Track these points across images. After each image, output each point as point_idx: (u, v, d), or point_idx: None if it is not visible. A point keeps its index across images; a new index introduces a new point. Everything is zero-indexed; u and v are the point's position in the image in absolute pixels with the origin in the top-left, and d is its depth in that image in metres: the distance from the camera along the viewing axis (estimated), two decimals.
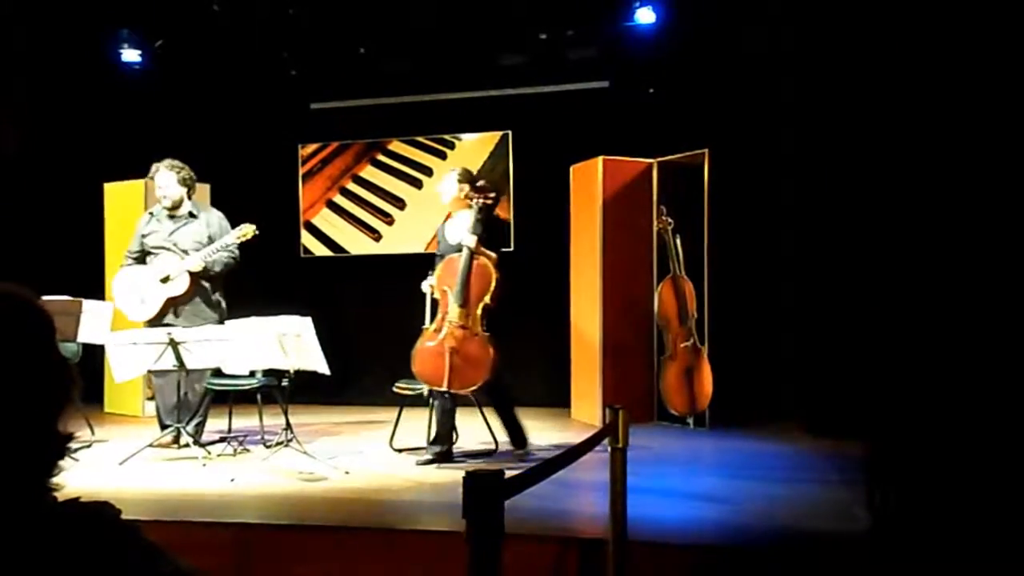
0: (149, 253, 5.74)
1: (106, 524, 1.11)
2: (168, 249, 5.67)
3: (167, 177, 5.69)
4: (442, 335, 5.15)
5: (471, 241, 5.15)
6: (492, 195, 5.42)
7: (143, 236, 5.79)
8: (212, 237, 5.72)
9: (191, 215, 5.78)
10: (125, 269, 5.78)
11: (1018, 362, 3.56)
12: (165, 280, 5.59)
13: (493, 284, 5.17)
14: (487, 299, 5.16)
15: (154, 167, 5.76)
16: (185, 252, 5.65)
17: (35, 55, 7.38)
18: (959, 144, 3.81)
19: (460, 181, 5.40)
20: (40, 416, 1.11)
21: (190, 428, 5.53)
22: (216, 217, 5.86)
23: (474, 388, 5.16)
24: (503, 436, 5.80)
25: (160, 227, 5.76)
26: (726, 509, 4.15)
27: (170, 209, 5.75)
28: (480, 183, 5.45)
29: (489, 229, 5.33)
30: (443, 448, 5.25)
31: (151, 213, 5.86)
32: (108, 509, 1.13)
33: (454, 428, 5.40)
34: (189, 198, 5.80)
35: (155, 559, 1.13)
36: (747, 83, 7.01)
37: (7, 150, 7.46)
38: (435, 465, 5.17)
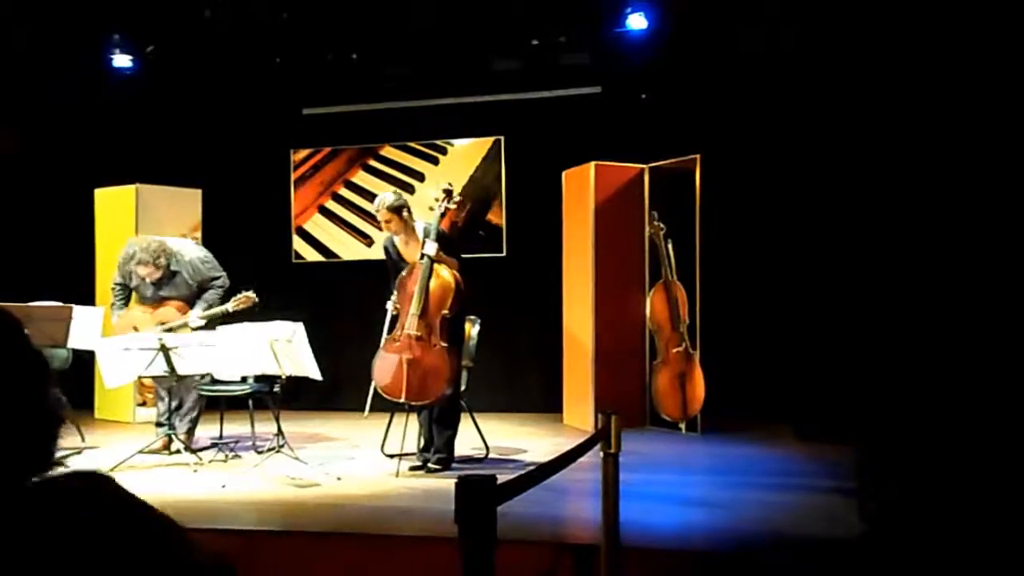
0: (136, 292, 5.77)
1: (100, 497, 1.09)
2: (160, 303, 5.68)
3: (146, 270, 5.56)
4: (399, 346, 5.03)
5: (431, 249, 5.05)
6: (457, 200, 5.27)
7: (129, 281, 5.73)
8: (202, 281, 5.71)
9: (172, 273, 5.67)
10: (126, 314, 5.71)
11: (1009, 367, 3.58)
12: (167, 329, 5.54)
13: (453, 294, 5.05)
14: (446, 310, 5.05)
15: (126, 259, 5.59)
16: (178, 298, 5.67)
17: (26, 60, 7.36)
18: (950, 156, 3.83)
19: (391, 209, 5.10)
20: (19, 407, 1.11)
21: (181, 433, 5.52)
22: (197, 260, 5.75)
23: (433, 400, 5.03)
24: (494, 442, 5.81)
25: (143, 284, 5.68)
26: (718, 514, 4.15)
27: None
28: (446, 186, 5.31)
29: (446, 237, 5.23)
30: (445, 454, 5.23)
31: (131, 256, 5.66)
32: (99, 478, 1.11)
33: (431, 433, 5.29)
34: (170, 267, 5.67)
35: (166, 537, 1.10)
36: (738, 89, 7.04)
37: (5, 152, 7.44)
38: (423, 471, 5.16)
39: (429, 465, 5.16)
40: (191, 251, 5.82)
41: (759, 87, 6.89)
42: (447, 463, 5.18)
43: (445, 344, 5.04)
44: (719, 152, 6.71)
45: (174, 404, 5.66)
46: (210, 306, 5.63)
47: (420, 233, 5.18)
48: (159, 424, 5.77)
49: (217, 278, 5.77)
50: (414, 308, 5.01)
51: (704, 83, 7.17)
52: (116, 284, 5.81)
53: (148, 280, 5.63)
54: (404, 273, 5.17)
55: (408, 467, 5.20)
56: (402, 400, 4.99)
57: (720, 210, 6.69)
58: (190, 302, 5.68)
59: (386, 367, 5.06)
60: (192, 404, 5.71)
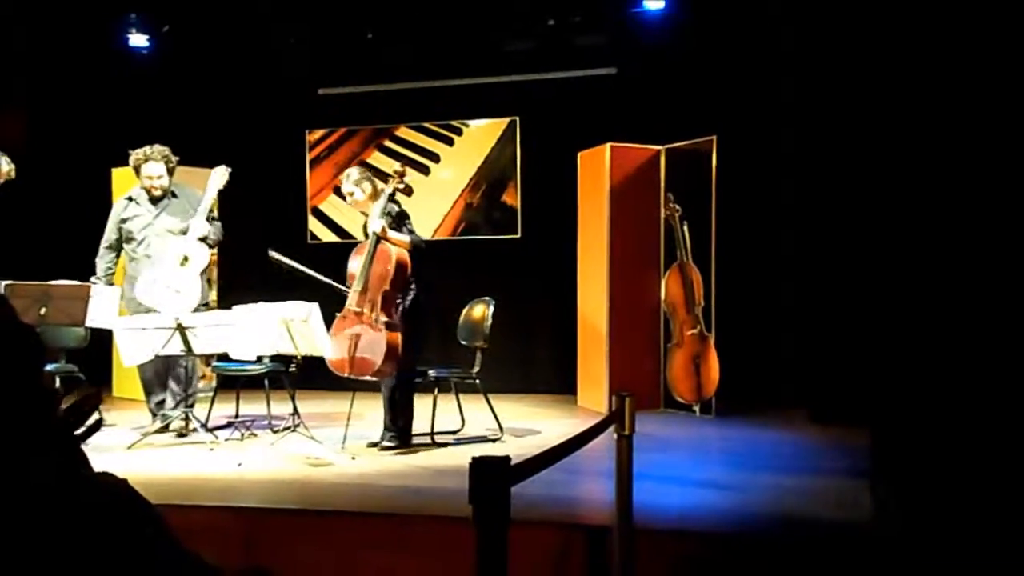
0: (130, 240, 5.71)
1: (119, 498, 1.11)
2: (159, 235, 5.64)
3: (159, 168, 5.62)
4: (346, 322, 5.14)
5: (377, 227, 5.10)
6: (403, 179, 5.32)
7: (122, 221, 5.73)
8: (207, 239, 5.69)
9: (172, 195, 5.74)
10: (138, 281, 5.56)
11: (1022, 351, 3.55)
12: (184, 262, 5.56)
13: (393, 271, 5.06)
14: (387, 286, 5.06)
15: (141, 155, 5.64)
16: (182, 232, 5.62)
17: (43, 41, 7.38)
18: (964, 136, 3.79)
19: (362, 180, 5.30)
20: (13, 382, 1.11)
21: (176, 411, 5.56)
22: (199, 194, 5.78)
23: (372, 375, 5.07)
24: (508, 423, 5.82)
25: (142, 210, 5.71)
26: (731, 497, 4.16)
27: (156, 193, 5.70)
28: (397, 167, 5.39)
29: (399, 215, 5.29)
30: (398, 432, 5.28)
31: (129, 198, 5.78)
32: (112, 479, 1.13)
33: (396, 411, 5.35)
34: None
35: (167, 543, 1.13)
36: (755, 70, 6.98)
37: (15, 139, 7.48)
38: (376, 448, 5.23)
39: (383, 443, 5.22)
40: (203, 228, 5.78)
41: (776, 68, 6.82)
42: (401, 442, 5.21)
43: (386, 319, 5.05)
44: (735, 134, 6.66)
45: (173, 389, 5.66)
46: (208, 233, 5.63)
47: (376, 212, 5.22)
48: (154, 413, 5.77)
49: (214, 218, 5.74)
50: (356, 284, 5.13)
51: (721, 64, 7.10)
52: (106, 240, 5.78)
53: (156, 185, 5.62)
54: (353, 252, 5.27)
55: (367, 443, 5.29)
56: (346, 375, 5.10)
57: (736, 192, 6.65)
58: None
59: (336, 344, 5.12)
60: (182, 382, 5.68)
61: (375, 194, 5.28)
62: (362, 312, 5.09)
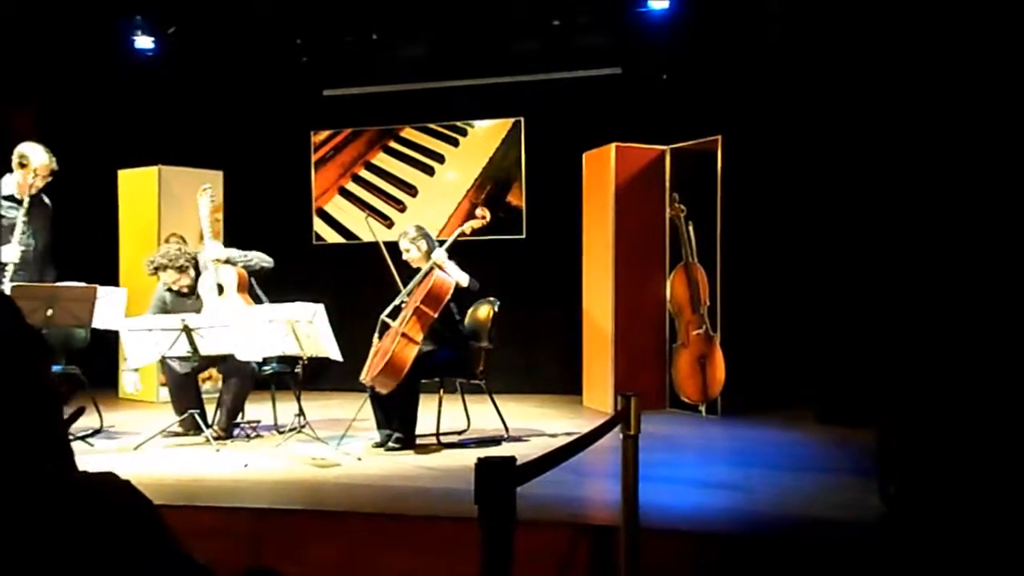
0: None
1: (120, 497, 1.11)
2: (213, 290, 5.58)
3: (172, 276, 5.53)
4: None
5: (435, 256, 5.32)
6: (485, 221, 5.68)
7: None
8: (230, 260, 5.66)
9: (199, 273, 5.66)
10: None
11: None
12: (221, 291, 5.53)
13: (429, 288, 5.16)
14: (419, 302, 5.15)
15: (149, 270, 5.56)
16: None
17: (50, 43, 7.39)
18: (970, 135, 3.80)
19: (419, 238, 5.48)
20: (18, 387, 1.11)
21: (222, 419, 5.58)
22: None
23: (371, 380, 5.12)
24: (513, 423, 5.82)
25: (181, 301, 5.66)
26: (737, 497, 4.15)
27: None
28: (479, 212, 5.69)
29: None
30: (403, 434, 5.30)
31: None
32: (114, 479, 1.13)
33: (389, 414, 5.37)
34: (198, 270, 5.66)
35: (166, 542, 1.13)
36: (761, 69, 6.97)
37: (25, 138, 7.50)
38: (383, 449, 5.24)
39: (389, 444, 5.25)
40: (218, 251, 5.70)
41: (782, 67, 6.82)
42: (407, 442, 5.24)
43: (405, 332, 5.11)
44: (741, 133, 6.65)
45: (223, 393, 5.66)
46: (231, 258, 5.62)
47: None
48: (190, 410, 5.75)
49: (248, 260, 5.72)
50: (398, 299, 5.33)
51: (726, 63, 7.10)
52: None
53: (180, 288, 5.61)
54: None
55: (372, 444, 5.32)
56: (361, 378, 5.22)
57: (742, 192, 6.64)
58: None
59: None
60: (240, 388, 5.65)
61: (430, 252, 5.43)
62: (397, 325, 5.19)
